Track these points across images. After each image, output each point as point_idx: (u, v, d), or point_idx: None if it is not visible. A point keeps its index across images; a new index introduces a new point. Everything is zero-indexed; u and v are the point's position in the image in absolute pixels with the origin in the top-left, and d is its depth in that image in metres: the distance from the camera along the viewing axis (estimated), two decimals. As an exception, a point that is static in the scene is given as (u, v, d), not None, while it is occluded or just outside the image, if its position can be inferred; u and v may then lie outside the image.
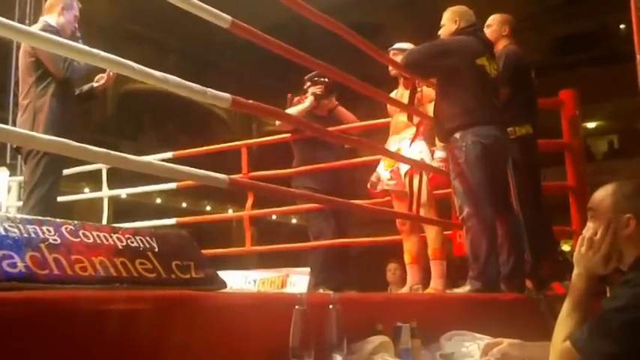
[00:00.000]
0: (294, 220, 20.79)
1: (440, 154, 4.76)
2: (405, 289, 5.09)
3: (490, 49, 4.48)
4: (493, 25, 5.10)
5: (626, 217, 2.16)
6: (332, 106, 5.73)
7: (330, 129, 4.95)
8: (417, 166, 4.59)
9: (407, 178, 4.74)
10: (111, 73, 4.95)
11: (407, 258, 5.03)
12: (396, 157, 4.72)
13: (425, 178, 4.62)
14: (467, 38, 4.38)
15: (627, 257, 2.16)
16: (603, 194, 2.26)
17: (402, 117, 4.99)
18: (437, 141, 4.79)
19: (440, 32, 4.61)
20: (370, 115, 5.99)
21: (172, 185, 6.21)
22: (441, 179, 4.86)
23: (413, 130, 4.87)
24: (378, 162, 5.15)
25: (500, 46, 5.00)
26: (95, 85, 5.00)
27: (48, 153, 4.26)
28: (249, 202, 5.80)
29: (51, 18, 4.66)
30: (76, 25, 4.78)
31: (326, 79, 5.43)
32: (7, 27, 2.24)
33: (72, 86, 4.75)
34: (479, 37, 4.42)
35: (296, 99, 5.66)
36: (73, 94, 4.78)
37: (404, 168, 4.80)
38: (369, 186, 5.16)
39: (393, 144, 5.00)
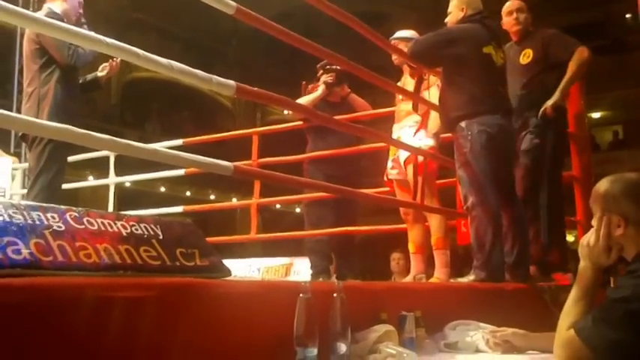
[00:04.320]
0: (297, 209, 20.81)
1: (430, 142, 4.76)
2: (408, 279, 5.10)
3: (497, 37, 4.46)
4: (525, 11, 5.12)
5: (616, 219, 2.15)
6: (344, 93, 5.79)
7: (338, 117, 4.97)
8: (420, 153, 4.60)
9: (408, 167, 4.75)
10: (114, 63, 4.95)
11: (411, 247, 5.04)
12: (400, 144, 4.72)
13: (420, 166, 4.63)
14: (473, 26, 4.36)
15: (629, 249, 2.16)
16: (597, 192, 2.25)
17: (404, 105, 5.00)
18: (428, 129, 4.80)
19: (446, 20, 4.59)
20: (374, 103, 5.99)
21: (180, 172, 6.22)
22: (435, 167, 4.89)
23: (413, 118, 4.88)
24: (387, 150, 5.17)
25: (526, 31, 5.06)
26: (99, 74, 5.00)
27: (53, 140, 4.27)
28: (257, 189, 5.82)
29: (55, 5, 4.66)
30: (81, 11, 4.78)
31: (337, 67, 5.46)
32: (11, 13, 2.23)
33: (76, 73, 4.75)
34: (486, 25, 4.39)
35: (310, 86, 5.73)
36: (77, 81, 4.78)
37: (403, 156, 4.81)
38: (385, 178, 5.19)
39: (394, 132, 5.02)
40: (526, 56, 4.88)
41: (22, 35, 8.46)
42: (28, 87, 4.61)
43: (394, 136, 4.94)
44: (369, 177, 5.61)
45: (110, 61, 4.93)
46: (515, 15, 5.07)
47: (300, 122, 5.83)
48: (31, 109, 4.50)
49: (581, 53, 4.74)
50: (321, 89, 5.62)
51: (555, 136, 4.81)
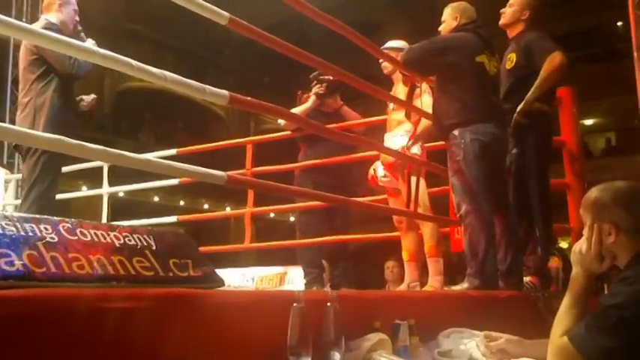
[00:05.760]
0: (292, 218, 20.78)
1: (415, 150, 4.77)
2: (402, 287, 5.11)
3: (490, 46, 4.46)
4: (515, 5, 4.91)
5: (607, 227, 2.16)
6: (337, 105, 5.84)
7: (332, 126, 5.00)
8: (411, 161, 4.62)
9: (402, 176, 4.77)
10: (92, 102, 4.96)
11: (405, 255, 5.05)
12: (392, 153, 4.73)
13: (418, 178, 4.64)
14: (466, 35, 4.37)
15: (622, 257, 2.17)
16: (587, 201, 2.26)
17: (396, 115, 5.02)
18: (416, 135, 4.81)
19: (440, 28, 4.60)
20: (367, 112, 6.02)
21: (174, 181, 6.23)
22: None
23: (404, 127, 4.90)
24: (377, 159, 5.19)
25: (517, 30, 4.87)
26: (82, 105, 4.98)
27: (47, 151, 4.26)
28: (250, 199, 5.84)
29: (51, 15, 4.67)
30: (77, 19, 4.78)
31: (329, 78, 5.51)
32: (8, 25, 2.24)
33: (72, 84, 4.75)
34: (479, 34, 4.40)
35: (305, 96, 5.78)
36: (73, 92, 4.77)
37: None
38: (369, 177, 5.20)
39: (385, 142, 5.04)
40: (510, 61, 4.79)
41: (15, 45, 8.46)
42: (24, 97, 4.59)
43: (385, 145, 4.96)
44: (362, 185, 5.63)
45: (90, 100, 4.94)
46: (504, 9, 4.96)
47: (289, 132, 5.88)
48: (26, 119, 4.48)
49: (552, 60, 4.54)
50: (312, 100, 5.70)
51: (536, 141, 4.66)
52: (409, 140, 4.79)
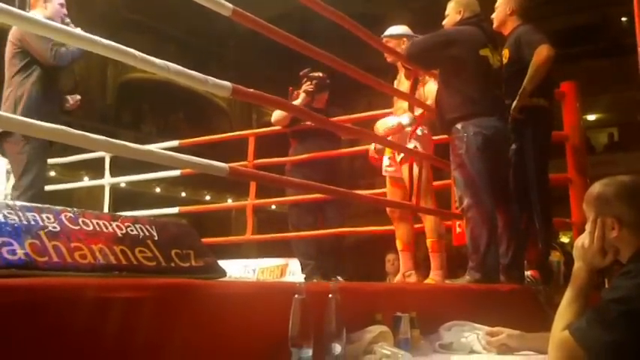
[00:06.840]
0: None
1: (418, 131, 4.80)
2: (398, 277, 5.11)
3: (493, 39, 4.44)
4: (499, 6, 4.89)
5: (610, 221, 2.16)
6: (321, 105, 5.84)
7: (336, 119, 5.01)
8: (413, 154, 4.62)
9: (403, 167, 4.76)
10: (77, 102, 5.02)
11: (399, 244, 5.05)
12: (392, 145, 4.73)
13: (419, 169, 4.64)
14: (470, 29, 4.36)
15: (624, 251, 2.16)
16: (590, 195, 2.26)
17: (402, 103, 5.00)
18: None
19: (444, 22, 4.59)
20: (370, 105, 6.00)
21: (176, 172, 6.23)
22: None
23: (410, 115, 4.87)
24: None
25: (509, 27, 4.81)
26: (67, 106, 5.00)
27: (30, 142, 4.30)
28: (252, 190, 5.85)
29: (38, 12, 4.67)
30: (65, 12, 4.78)
31: (319, 75, 5.54)
32: (7, 13, 2.24)
33: (56, 76, 4.75)
34: (482, 28, 4.40)
35: (295, 92, 5.76)
36: (56, 83, 4.78)
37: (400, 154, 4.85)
38: (370, 153, 5.15)
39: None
40: (505, 57, 4.76)
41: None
42: (6, 90, 4.63)
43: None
44: (361, 178, 5.64)
45: (75, 101, 4.97)
46: (493, 15, 4.92)
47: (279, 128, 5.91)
48: (7, 111, 4.48)
49: (539, 53, 4.47)
50: (301, 97, 5.68)
51: (534, 136, 4.61)
52: (411, 134, 4.78)
